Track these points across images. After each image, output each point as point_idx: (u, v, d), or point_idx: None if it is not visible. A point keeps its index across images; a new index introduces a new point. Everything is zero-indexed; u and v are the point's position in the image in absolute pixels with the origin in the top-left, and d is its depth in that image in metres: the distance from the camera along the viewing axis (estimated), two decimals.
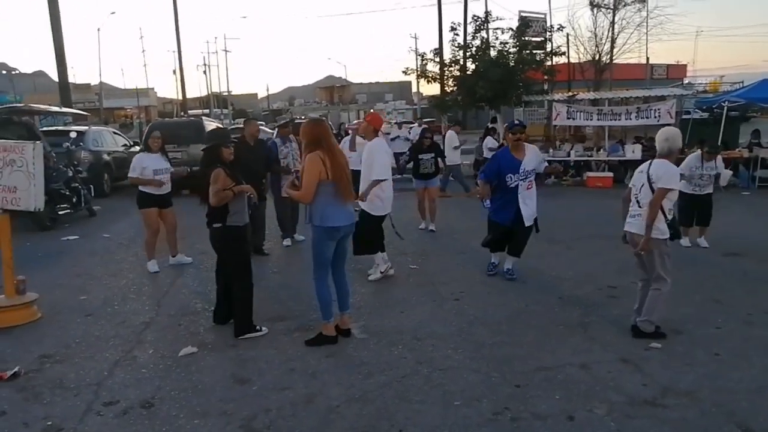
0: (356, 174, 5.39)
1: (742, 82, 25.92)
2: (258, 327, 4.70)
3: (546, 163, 6.40)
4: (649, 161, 4.54)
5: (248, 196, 4.70)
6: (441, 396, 3.66)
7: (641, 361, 4.07)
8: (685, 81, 43.21)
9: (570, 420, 3.34)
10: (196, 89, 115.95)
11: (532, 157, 5.89)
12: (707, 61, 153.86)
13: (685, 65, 49.73)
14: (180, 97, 42.32)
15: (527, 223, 5.90)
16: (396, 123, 19.63)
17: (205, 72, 54.64)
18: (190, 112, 37.52)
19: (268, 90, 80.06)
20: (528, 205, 5.88)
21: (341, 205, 4.29)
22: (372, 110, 58.65)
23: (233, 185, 4.55)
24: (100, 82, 47.92)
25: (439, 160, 9.44)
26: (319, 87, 76.66)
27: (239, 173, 4.76)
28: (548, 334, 4.61)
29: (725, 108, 13.64)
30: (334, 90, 71.03)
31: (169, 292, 5.95)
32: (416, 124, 17.37)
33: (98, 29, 57.19)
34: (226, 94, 58.50)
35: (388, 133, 18.76)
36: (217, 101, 54.14)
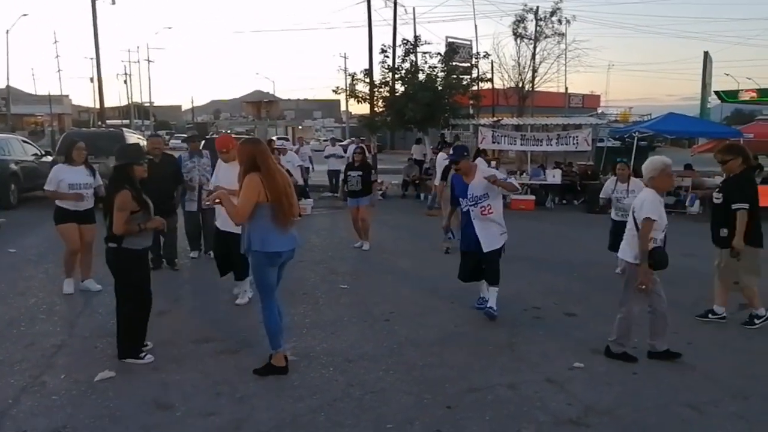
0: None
1: (650, 114, 27.91)
2: (143, 355, 4.41)
3: (504, 175, 6.09)
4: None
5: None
6: (374, 419, 3.62)
7: (566, 381, 4.21)
8: (599, 110, 45.97)
9: None
10: (115, 98, 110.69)
11: (479, 182, 5.49)
12: (618, 92, 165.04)
13: (599, 95, 52.88)
14: (97, 106, 40.33)
15: (485, 249, 5.49)
16: (329, 140, 19.59)
17: (125, 81, 52.55)
18: (108, 122, 35.75)
19: (192, 102, 77.83)
20: (487, 230, 5.50)
21: (281, 229, 4.07)
22: (300, 126, 58.42)
23: (139, 212, 4.31)
24: (8, 86, 44.89)
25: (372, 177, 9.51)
26: (245, 101, 75.42)
27: (146, 192, 4.51)
28: (478, 355, 4.68)
29: (636, 138, 14.57)
30: (262, 105, 70.02)
31: (84, 312, 5.58)
32: (348, 141, 17.42)
33: (7, 31, 53.69)
34: (148, 104, 56.41)
35: (320, 151, 18.77)
36: (138, 112, 52.08)
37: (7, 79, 44.90)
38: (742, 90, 42.40)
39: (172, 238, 7.31)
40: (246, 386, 4.02)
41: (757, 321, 5.43)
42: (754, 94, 43.71)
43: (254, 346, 4.71)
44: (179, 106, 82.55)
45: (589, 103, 48.11)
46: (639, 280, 4.40)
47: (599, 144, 17.53)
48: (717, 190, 5.61)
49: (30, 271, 7.11)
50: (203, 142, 11.90)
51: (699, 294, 6.21)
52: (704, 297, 5.98)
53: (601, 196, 7.89)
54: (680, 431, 3.54)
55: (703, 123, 19.69)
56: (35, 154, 14.02)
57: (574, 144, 14.91)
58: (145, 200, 4.41)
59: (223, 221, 5.56)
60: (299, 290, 6.48)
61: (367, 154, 9.72)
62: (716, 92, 30.72)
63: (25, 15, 47.51)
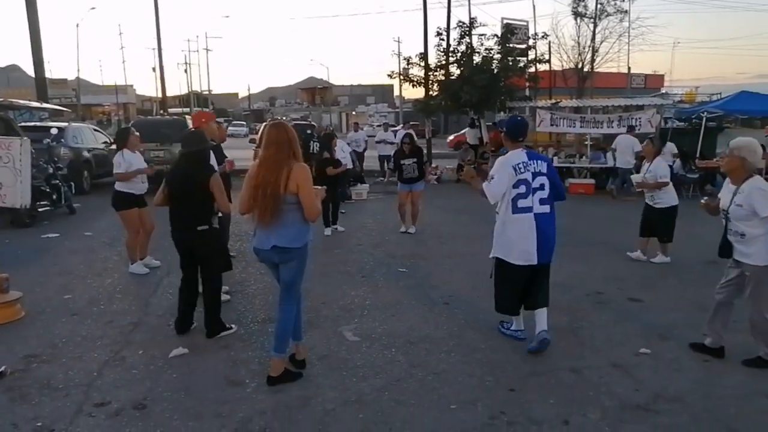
0: None
1: (720, 93, 26.52)
2: (229, 325, 4.75)
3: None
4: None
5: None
6: (436, 400, 3.67)
7: (632, 367, 4.13)
8: (663, 91, 44.07)
9: (565, 424, 3.38)
10: (176, 87, 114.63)
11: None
12: (683, 72, 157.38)
13: (663, 75, 50.65)
14: (159, 95, 41.81)
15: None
16: (382, 125, 19.58)
17: (185, 70, 54.28)
18: (170, 110, 37.03)
19: (249, 90, 79.72)
20: None
21: (258, 224, 3.72)
22: (354, 112, 58.72)
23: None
24: (78, 78, 47.05)
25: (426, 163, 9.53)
26: (300, 88, 76.51)
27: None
28: None
29: (704, 119, 13.92)
30: (316, 91, 70.91)
31: (156, 293, 5.86)
32: (400, 127, 17.38)
33: (77, 24, 56.21)
34: (207, 93, 57.99)
35: (373, 136, 18.80)
36: (197, 100, 53.62)
37: (78, 71, 46.97)
38: None
39: (226, 224, 7.48)
40: (311, 365, 4.13)
41: None
42: None
43: (317, 327, 4.84)
44: (236, 94, 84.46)
45: (652, 83, 46.17)
46: None
47: (663, 125, 16.81)
48: None
49: (105, 253, 7.52)
50: None
51: None
52: None
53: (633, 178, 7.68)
54: (759, 422, 3.41)
55: None
56: (105, 142, 14.72)
57: (637, 126, 14.37)
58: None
59: None
60: (358, 273, 6.58)
61: (415, 139, 9.70)
62: None
63: (93, 9, 49.63)
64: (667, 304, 5.46)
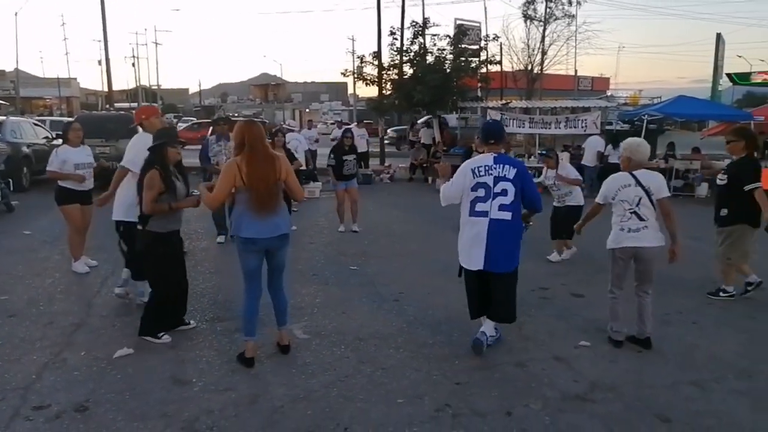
0: None
1: (660, 96, 27.67)
2: (159, 335, 4.50)
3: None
4: (628, 174, 4.52)
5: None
6: (384, 395, 3.73)
7: (572, 359, 4.31)
8: (608, 93, 45.54)
9: (508, 415, 3.49)
10: (123, 82, 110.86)
11: None
12: (628, 75, 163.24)
13: (608, 78, 52.35)
14: (105, 89, 40.45)
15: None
16: (335, 123, 19.56)
17: (133, 64, 52.58)
18: (117, 105, 35.86)
19: (200, 85, 78.01)
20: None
21: (256, 215, 3.89)
22: (307, 110, 58.33)
23: (164, 193, 4.33)
24: (17, 69, 44.99)
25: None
26: (253, 84, 75.33)
27: (181, 175, 4.58)
28: None
29: (645, 121, 14.49)
30: (269, 88, 70.00)
31: (100, 292, 5.71)
32: (354, 125, 17.37)
33: (15, 13, 53.76)
34: (156, 87, 56.41)
35: (329, 133, 18.75)
36: (145, 95, 52.11)
37: (17, 62, 45.09)
38: (754, 72, 41.88)
39: None
40: (260, 363, 4.13)
41: (722, 294, 5.74)
42: (767, 77, 43.06)
43: (267, 325, 4.81)
44: (186, 89, 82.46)
45: (599, 85, 47.67)
46: (674, 255, 4.49)
47: (608, 127, 17.42)
48: (723, 171, 5.74)
49: (45, 252, 7.26)
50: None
51: (704, 275, 6.28)
52: (710, 278, 6.07)
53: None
54: (684, 408, 3.61)
55: (714, 106, 19.46)
56: (46, 137, 14.16)
57: (582, 127, 14.88)
58: (173, 182, 4.44)
59: (116, 209, 5.22)
60: (309, 271, 6.60)
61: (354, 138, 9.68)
62: (728, 74, 30.34)
63: None
64: (606, 298, 5.68)
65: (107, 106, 32.59)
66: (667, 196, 4.49)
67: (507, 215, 4.17)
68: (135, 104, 44.64)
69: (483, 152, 4.50)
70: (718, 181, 5.78)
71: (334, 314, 5.21)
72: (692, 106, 15.71)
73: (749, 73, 41.42)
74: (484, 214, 4.18)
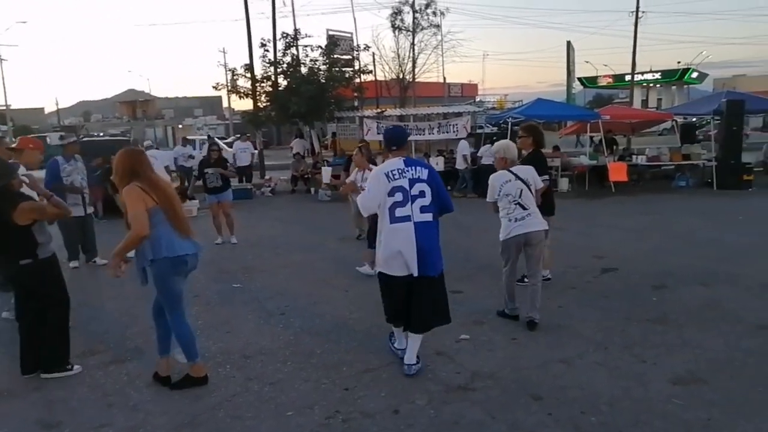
0: None
1: (521, 100, 29.78)
2: (70, 366, 4.31)
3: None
4: (507, 171, 5.12)
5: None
6: (273, 409, 3.70)
7: (454, 353, 4.53)
8: (477, 98, 48.23)
9: (395, 413, 3.61)
10: None
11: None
12: (494, 81, 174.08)
13: (476, 84, 55.37)
14: None
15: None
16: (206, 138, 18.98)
17: None
18: None
19: (57, 104, 71.79)
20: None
21: (181, 232, 3.86)
22: (180, 125, 55.87)
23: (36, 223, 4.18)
24: None
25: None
26: (119, 101, 70.94)
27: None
28: (372, 338, 4.88)
29: (510, 123, 15.54)
30: (137, 104, 66.29)
31: None
32: (234, 138, 16.97)
33: None
34: (4, 107, 51.23)
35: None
36: None
37: None
38: (600, 76, 46.46)
39: None
40: (139, 394, 3.94)
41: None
42: (611, 80, 47.80)
43: (146, 353, 4.60)
44: (42, 109, 75.75)
45: (468, 91, 50.27)
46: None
47: (478, 130, 18.47)
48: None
49: None
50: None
51: (566, 263, 6.87)
52: (572, 265, 6.65)
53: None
54: (553, 385, 3.94)
55: (567, 107, 21.28)
56: None
57: (454, 131, 15.64)
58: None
59: None
60: (190, 293, 6.30)
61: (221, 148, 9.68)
62: (579, 79, 33.21)
63: None
64: (482, 292, 6.04)
65: None
66: (543, 186, 5.34)
67: (429, 216, 4.08)
68: None
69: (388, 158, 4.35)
70: None
71: (218, 334, 5.07)
72: (550, 108, 17.07)
73: (596, 77, 45.86)
74: (407, 218, 4.02)
